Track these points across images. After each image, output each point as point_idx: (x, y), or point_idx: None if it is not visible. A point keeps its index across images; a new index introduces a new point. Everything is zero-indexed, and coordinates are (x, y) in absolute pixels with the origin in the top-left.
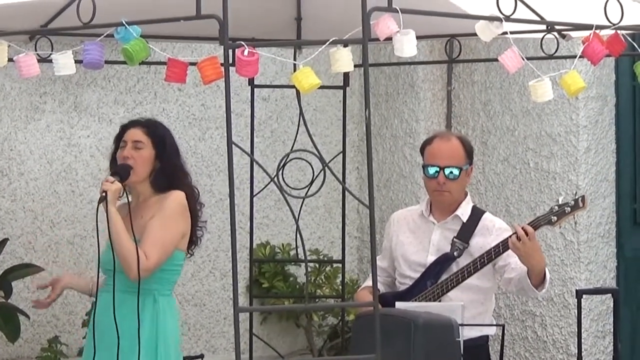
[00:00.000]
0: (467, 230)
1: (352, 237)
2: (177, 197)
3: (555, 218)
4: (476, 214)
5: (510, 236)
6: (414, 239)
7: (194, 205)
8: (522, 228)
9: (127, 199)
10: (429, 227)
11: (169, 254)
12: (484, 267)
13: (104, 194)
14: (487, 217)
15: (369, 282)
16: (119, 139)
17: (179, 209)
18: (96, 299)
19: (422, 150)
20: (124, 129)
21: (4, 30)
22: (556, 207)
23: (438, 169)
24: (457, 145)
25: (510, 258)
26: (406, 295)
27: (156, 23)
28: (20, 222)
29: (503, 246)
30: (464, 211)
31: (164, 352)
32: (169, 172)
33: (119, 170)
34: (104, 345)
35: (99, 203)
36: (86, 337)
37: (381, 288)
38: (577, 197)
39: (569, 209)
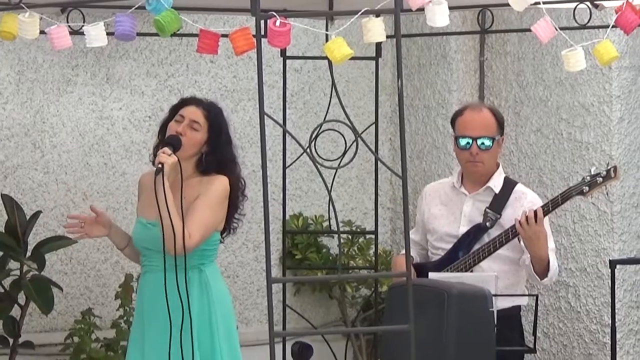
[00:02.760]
0: (499, 202)
1: (385, 208)
2: (222, 182)
3: (587, 188)
4: (508, 185)
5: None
6: (445, 211)
7: (235, 194)
8: (535, 211)
9: (181, 173)
10: (460, 199)
11: (209, 235)
12: (514, 239)
13: (160, 166)
14: (519, 189)
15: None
16: (175, 110)
17: (224, 194)
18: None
19: (453, 121)
20: (185, 103)
21: (36, 2)
22: (588, 178)
23: (470, 140)
24: (488, 116)
25: None
26: (438, 265)
27: None
28: (53, 194)
29: None
30: (496, 182)
31: (221, 316)
32: (219, 159)
33: (172, 141)
34: (155, 325)
35: (156, 175)
36: (134, 320)
37: (416, 260)
38: (609, 167)
39: (600, 179)
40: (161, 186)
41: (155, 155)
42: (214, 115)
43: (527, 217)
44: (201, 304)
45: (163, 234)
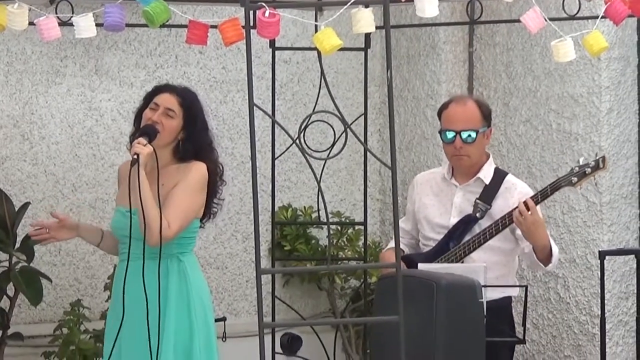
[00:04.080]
0: (489, 192)
1: (374, 200)
2: (200, 169)
3: (576, 179)
4: (499, 176)
5: (513, 209)
6: (436, 202)
7: (214, 180)
8: (525, 202)
9: (157, 162)
10: (451, 190)
11: (189, 223)
12: (505, 229)
13: (135, 157)
14: (509, 180)
15: (393, 244)
16: (150, 98)
17: (202, 180)
18: (115, 268)
19: (439, 115)
20: (159, 90)
21: None
22: (576, 168)
23: (455, 134)
24: (473, 108)
25: None
26: (429, 256)
27: None
28: (41, 186)
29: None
30: (486, 173)
31: (199, 306)
32: (196, 145)
33: (148, 131)
34: (132, 313)
35: (131, 165)
36: (110, 306)
37: (405, 250)
38: (597, 158)
39: (589, 169)
40: (137, 177)
41: (132, 144)
42: (189, 102)
43: (520, 210)
44: (180, 293)
45: (132, 225)
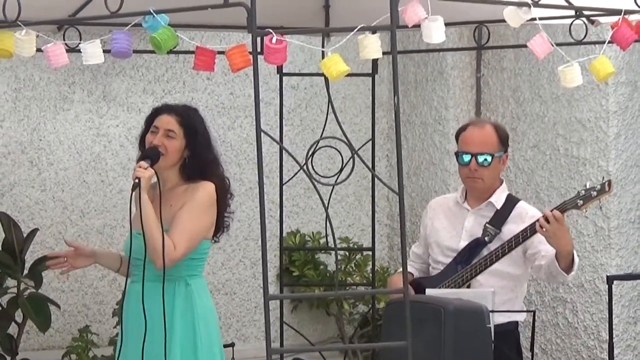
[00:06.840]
0: (500, 217)
1: (382, 225)
2: (207, 189)
3: (582, 202)
4: (511, 202)
5: (538, 219)
6: (448, 225)
7: (222, 196)
8: (552, 212)
9: (159, 184)
10: (463, 214)
11: (196, 245)
12: (512, 251)
13: (137, 181)
14: (521, 205)
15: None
16: (150, 121)
17: (209, 200)
18: (125, 289)
19: (457, 137)
20: (158, 112)
21: (32, 20)
22: (582, 192)
23: (471, 156)
24: (490, 132)
25: (540, 245)
26: (437, 279)
27: (184, 11)
28: (50, 212)
29: (530, 230)
30: (498, 198)
31: (205, 332)
32: (200, 163)
33: (150, 154)
34: (138, 336)
35: (132, 190)
36: (120, 329)
37: (416, 274)
38: (603, 181)
39: (595, 193)
40: (138, 201)
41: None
42: (188, 119)
43: (546, 216)
44: (185, 320)
45: (136, 246)
